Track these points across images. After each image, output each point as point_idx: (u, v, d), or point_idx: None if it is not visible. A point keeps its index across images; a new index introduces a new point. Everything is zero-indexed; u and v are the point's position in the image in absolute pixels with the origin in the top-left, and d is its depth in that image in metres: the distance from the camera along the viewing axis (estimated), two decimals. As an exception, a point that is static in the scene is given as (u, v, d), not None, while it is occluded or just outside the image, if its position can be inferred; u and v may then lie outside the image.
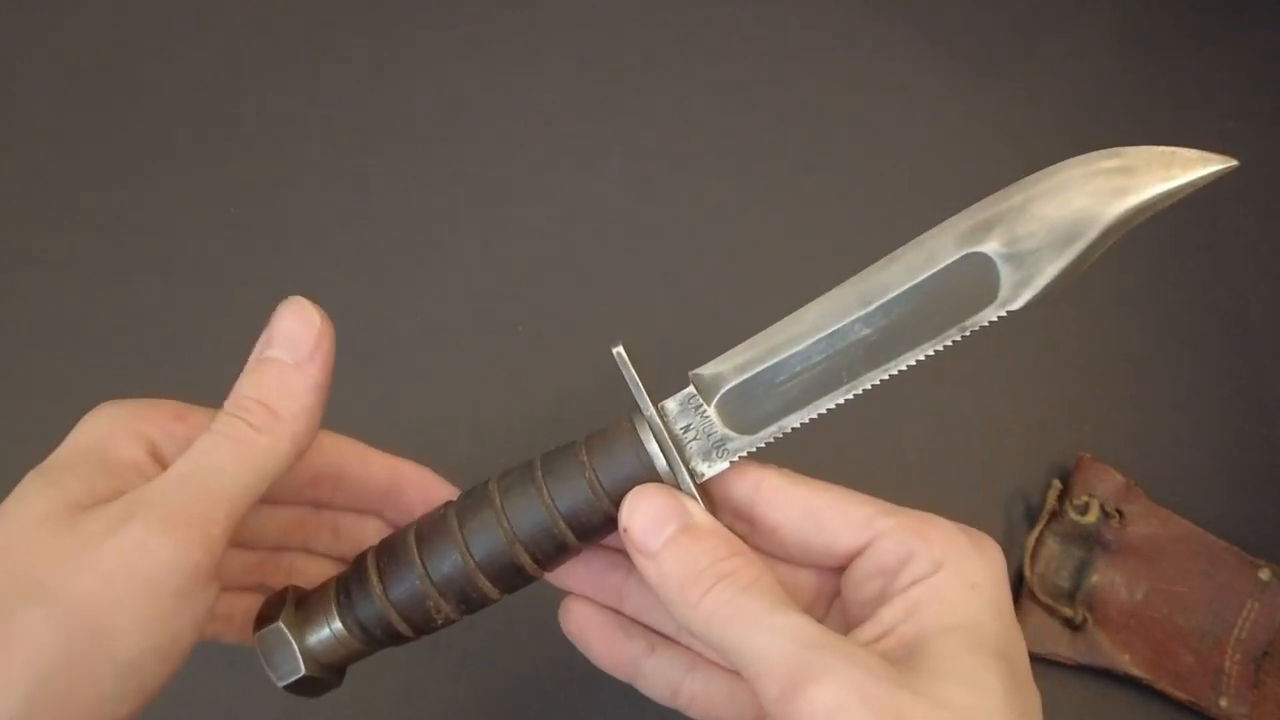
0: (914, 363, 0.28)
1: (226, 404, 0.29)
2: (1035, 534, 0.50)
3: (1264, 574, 0.49)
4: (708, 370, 0.30)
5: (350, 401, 0.56)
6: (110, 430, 0.28)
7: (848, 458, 0.53)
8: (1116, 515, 0.50)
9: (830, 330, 0.28)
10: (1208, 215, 0.61)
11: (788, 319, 0.29)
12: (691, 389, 0.30)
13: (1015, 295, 0.27)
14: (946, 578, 0.27)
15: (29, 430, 0.54)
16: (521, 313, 0.57)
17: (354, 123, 0.63)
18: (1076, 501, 0.51)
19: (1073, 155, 0.27)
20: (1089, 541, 0.50)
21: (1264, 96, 0.64)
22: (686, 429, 0.30)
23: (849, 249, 0.61)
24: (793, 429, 0.29)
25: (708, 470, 0.30)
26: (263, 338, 0.30)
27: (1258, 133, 0.63)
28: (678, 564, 0.28)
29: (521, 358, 0.56)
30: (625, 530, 0.29)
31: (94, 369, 0.54)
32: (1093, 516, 0.50)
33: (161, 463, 0.28)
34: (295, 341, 0.29)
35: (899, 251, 0.28)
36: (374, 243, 0.59)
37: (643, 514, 0.28)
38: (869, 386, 0.28)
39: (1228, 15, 0.67)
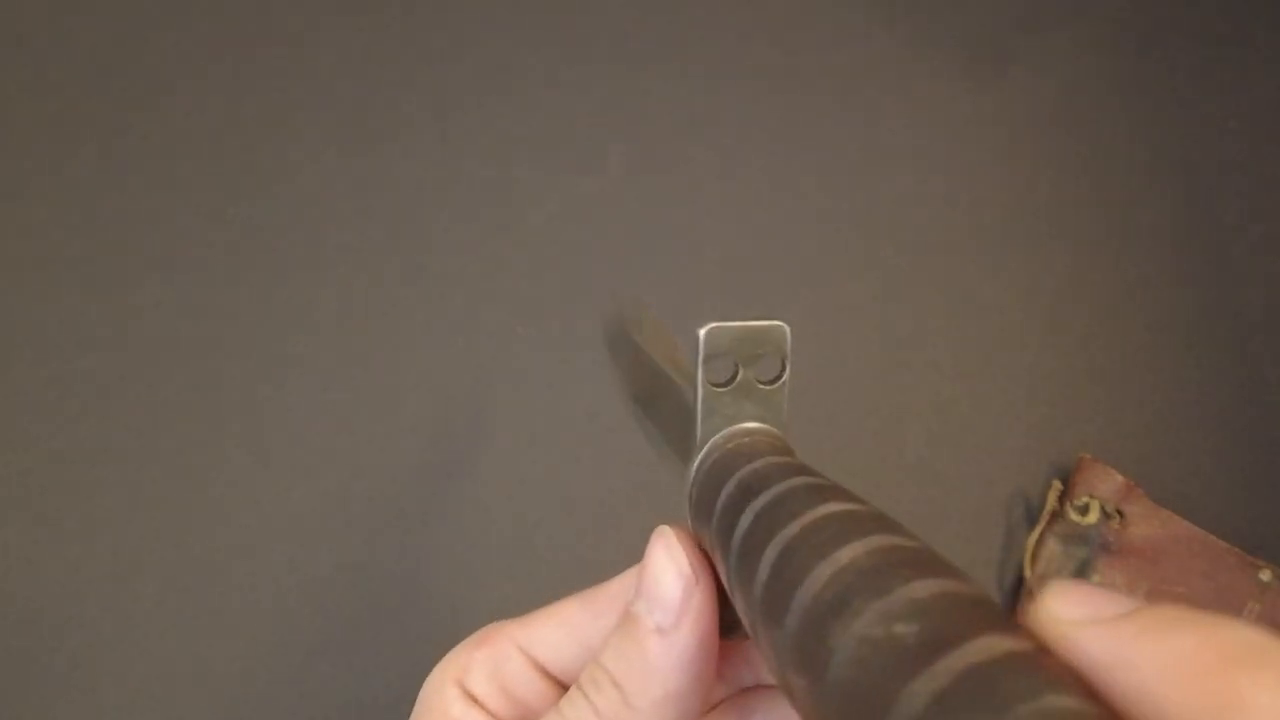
0: None
1: (587, 667, 0.23)
2: (1036, 534, 0.50)
3: (1264, 575, 0.49)
4: None
5: (348, 403, 0.57)
6: (438, 691, 0.26)
7: (848, 458, 0.53)
8: (1117, 516, 0.50)
9: None
10: (1208, 215, 0.61)
11: None
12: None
13: None
14: None
15: (29, 430, 0.54)
16: (521, 313, 0.57)
17: (352, 122, 0.62)
18: (1077, 502, 0.50)
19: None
20: (1090, 542, 0.50)
21: (1264, 96, 0.64)
22: None
23: (849, 247, 0.62)
24: None
25: None
26: (638, 574, 0.23)
27: (1258, 133, 0.63)
28: None
29: (521, 359, 0.56)
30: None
31: (94, 369, 0.54)
32: (1093, 517, 0.50)
33: (473, 700, 0.26)
34: (660, 594, 0.22)
35: None
36: (372, 242, 0.59)
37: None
38: None
39: (1228, 15, 0.67)
